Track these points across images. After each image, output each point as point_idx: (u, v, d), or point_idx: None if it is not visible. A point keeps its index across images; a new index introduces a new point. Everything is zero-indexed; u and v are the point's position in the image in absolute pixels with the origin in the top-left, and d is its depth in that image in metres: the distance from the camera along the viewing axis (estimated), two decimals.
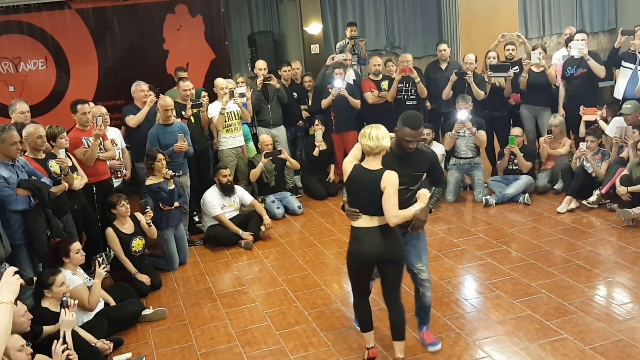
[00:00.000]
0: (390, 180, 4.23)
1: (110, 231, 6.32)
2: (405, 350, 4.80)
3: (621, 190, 7.07)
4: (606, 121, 8.07)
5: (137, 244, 6.44)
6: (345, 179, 4.52)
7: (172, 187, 6.86)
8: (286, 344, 5.12)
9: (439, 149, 8.34)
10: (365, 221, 4.36)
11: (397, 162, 4.40)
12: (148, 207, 6.61)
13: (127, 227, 6.46)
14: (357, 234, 4.43)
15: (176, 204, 6.94)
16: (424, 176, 4.70)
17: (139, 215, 6.67)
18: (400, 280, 4.55)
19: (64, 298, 4.58)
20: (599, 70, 8.17)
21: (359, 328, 4.93)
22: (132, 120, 7.60)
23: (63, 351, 4.12)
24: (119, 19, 9.34)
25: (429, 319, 4.98)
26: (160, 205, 6.80)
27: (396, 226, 4.35)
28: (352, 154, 4.51)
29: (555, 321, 5.06)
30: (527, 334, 4.92)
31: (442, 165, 8.41)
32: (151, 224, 6.59)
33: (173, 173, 6.94)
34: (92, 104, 7.24)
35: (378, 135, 4.23)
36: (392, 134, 4.43)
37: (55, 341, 4.17)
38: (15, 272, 3.51)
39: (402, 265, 4.53)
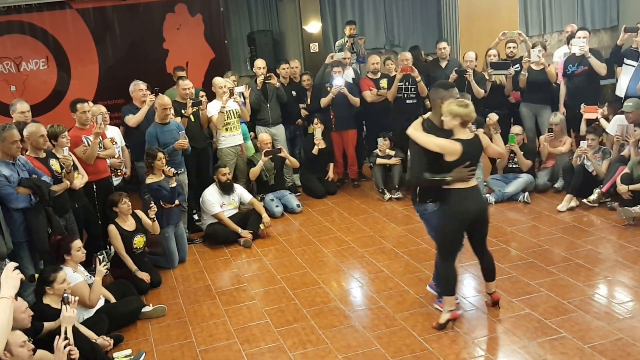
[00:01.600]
0: (485, 138, 5.12)
1: (112, 228, 6.33)
2: (404, 348, 4.85)
3: (622, 188, 7.06)
4: (607, 119, 8.07)
5: (139, 241, 6.46)
6: (451, 157, 4.85)
7: (174, 184, 6.87)
8: (285, 342, 5.13)
9: None
10: (472, 182, 4.95)
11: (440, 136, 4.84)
12: (152, 202, 6.62)
13: (129, 225, 6.48)
14: (466, 193, 4.93)
15: (176, 201, 6.96)
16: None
17: (139, 212, 6.68)
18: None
19: (65, 294, 4.61)
20: (600, 67, 8.17)
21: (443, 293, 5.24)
22: (132, 119, 7.60)
23: (65, 347, 4.14)
24: (119, 18, 9.35)
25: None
26: (161, 203, 6.81)
27: None
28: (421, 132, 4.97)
29: (554, 320, 5.07)
30: (526, 333, 4.92)
31: None
32: (155, 219, 6.60)
33: (175, 171, 6.96)
34: (90, 103, 7.27)
35: (468, 104, 4.85)
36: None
37: (57, 336, 4.19)
38: (16, 268, 3.53)
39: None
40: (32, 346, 4.04)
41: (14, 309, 3.63)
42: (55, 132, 6.22)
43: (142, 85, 7.79)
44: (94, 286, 5.45)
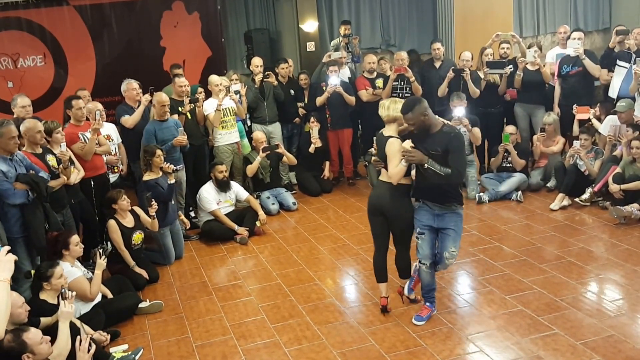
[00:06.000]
0: (390, 146, 5.03)
1: (112, 223, 6.34)
2: (398, 344, 4.92)
3: (614, 188, 7.14)
4: (599, 120, 8.14)
5: (137, 237, 6.49)
6: None
7: (172, 181, 6.91)
8: (280, 337, 5.18)
9: None
10: (384, 176, 5.18)
11: (417, 138, 4.92)
12: (153, 200, 6.63)
13: (128, 221, 6.50)
14: (376, 184, 5.36)
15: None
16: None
17: (138, 209, 6.71)
18: (405, 235, 5.28)
19: (63, 289, 4.63)
20: (594, 69, 8.24)
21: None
22: (129, 120, 7.50)
23: (89, 345, 4.25)
24: (116, 15, 9.39)
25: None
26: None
27: (406, 189, 5.11)
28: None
29: (547, 316, 5.13)
30: (519, 329, 4.98)
31: None
32: (155, 217, 6.63)
33: (174, 167, 6.99)
34: (86, 92, 7.31)
35: (389, 107, 5.09)
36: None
37: (78, 337, 4.26)
38: (8, 252, 3.56)
39: (405, 223, 5.18)
40: (49, 338, 4.09)
41: (10, 304, 3.66)
42: (50, 128, 6.24)
43: (135, 84, 7.74)
44: (95, 279, 5.50)
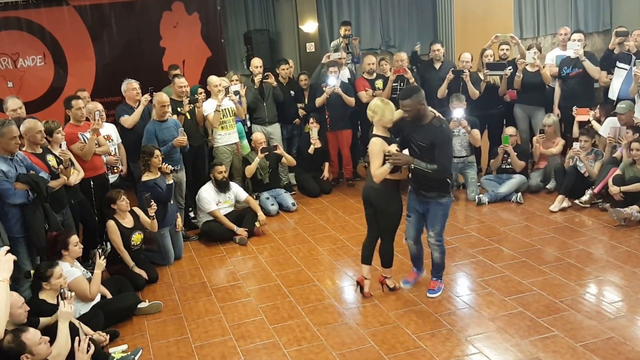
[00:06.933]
0: (371, 146, 5.27)
1: (112, 223, 6.34)
2: (397, 346, 4.91)
3: (614, 189, 7.14)
4: (599, 121, 8.14)
5: (137, 238, 6.49)
6: None
7: (170, 182, 6.91)
8: (280, 338, 5.18)
9: None
10: None
11: (410, 128, 5.29)
12: (152, 200, 6.64)
13: (127, 222, 6.49)
14: (367, 177, 5.54)
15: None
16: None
17: (137, 210, 6.71)
18: (389, 227, 5.54)
19: (62, 290, 4.63)
20: (594, 71, 8.25)
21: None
22: (128, 120, 7.51)
23: (88, 346, 4.27)
24: (116, 15, 9.41)
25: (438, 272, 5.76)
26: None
27: (393, 185, 5.33)
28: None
29: (546, 318, 5.13)
30: (519, 331, 4.98)
31: None
32: (154, 217, 6.64)
33: (172, 168, 6.99)
34: (86, 93, 7.27)
35: (376, 110, 5.31)
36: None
37: (77, 337, 4.28)
38: (8, 252, 3.56)
39: (389, 216, 5.48)
40: (48, 338, 4.09)
41: (10, 304, 3.66)
42: (51, 128, 6.24)
43: (135, 84, 7.74)
44: (94, 279, 5.50)
